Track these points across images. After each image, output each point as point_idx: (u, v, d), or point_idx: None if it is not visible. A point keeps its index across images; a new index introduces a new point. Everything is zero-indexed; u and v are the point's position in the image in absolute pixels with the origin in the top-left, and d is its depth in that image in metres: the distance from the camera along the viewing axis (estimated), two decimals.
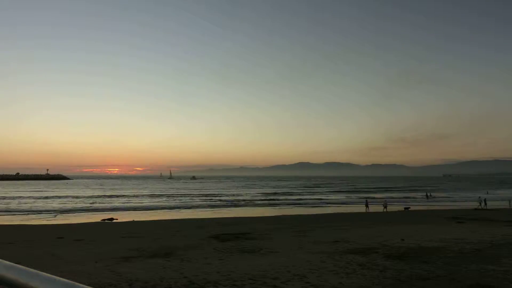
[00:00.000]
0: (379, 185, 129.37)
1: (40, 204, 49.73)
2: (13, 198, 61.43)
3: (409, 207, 43.07)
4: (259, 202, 56.68)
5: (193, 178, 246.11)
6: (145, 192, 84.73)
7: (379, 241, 15.92)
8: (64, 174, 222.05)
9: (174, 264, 11.85)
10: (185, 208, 45.34)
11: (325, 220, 28.23)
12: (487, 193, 74.79)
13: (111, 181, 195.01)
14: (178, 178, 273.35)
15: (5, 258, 1.48)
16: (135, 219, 31.59)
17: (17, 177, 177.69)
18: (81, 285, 1.16)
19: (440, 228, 21.16)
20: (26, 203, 50.94)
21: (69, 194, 73.02)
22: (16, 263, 1.38)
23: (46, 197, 63.09)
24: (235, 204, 52.45)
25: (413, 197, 65.76)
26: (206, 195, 72.35)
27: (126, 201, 56.08)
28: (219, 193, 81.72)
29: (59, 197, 64.64)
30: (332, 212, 38.71)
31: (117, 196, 67.48)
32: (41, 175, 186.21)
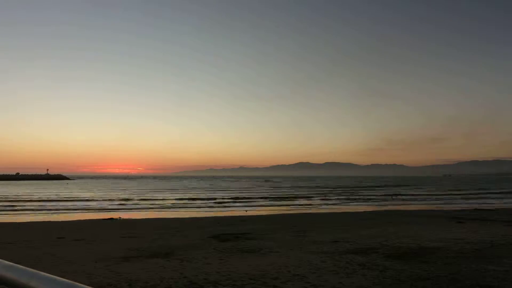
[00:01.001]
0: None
1: (40, 204, 49.73)
2: (13, 198, 61.44)
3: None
4: (259, 202, 56.67)
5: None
6: (145, 192, 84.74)
7: (379, 241, 15.92)
8: (64, 174, 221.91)
9: (174, 264, 11.85)
10: (185, 208, 45.33)
11: (325, 220, 28.21)
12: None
13: (111, 181, 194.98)
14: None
15: (5, 258, 1.48)
16: (135, 219, 31.58)
17: (17, 177, 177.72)
18: (81, 285, 1.16)
19: (440, 228, 21.15)
20: (26, 203, 50.93)
21: (69, 194, 73.03)
22: (16, 263, 1.38)
23: (46, 197, 63.09)
24: (235, 204, 52.44)
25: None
26: (207, 195, 72.33)
27: (126, 201, 56.07)
28: (219, 193, 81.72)
29: (59, 197, 64.64)
30: (332, 212, 38.69)
31: (117, 196, 67.48)
32: (41, 175, 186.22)
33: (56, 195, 70.13)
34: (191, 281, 9.64)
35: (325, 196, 70.79)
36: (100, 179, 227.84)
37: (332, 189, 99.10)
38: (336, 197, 66.68)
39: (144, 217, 33.54)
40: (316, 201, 58.64)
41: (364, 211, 38.13)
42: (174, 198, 64.26)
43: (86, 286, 1.16)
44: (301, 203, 53.35)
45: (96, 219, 31.13)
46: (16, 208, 45.03)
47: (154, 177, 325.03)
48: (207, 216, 34.30)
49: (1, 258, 1.46)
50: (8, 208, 44.74)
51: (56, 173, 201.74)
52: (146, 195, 73.05)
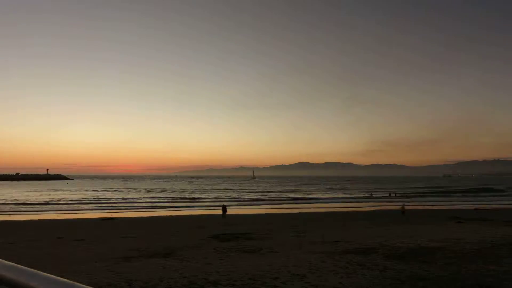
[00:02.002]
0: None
1: (40, 204, 49.75)
2: (13, 198, 61.45)
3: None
4: (259, 202, 56.69)
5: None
6: (145, 192, 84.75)
7: (379, 241, 15.93)
8: (64, 174, 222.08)
9: (174, 264, 11.86)
10: (185, 208, 45.33)
11: (325, 219, 28.22)
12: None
13: (111, 181, 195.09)
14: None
15: (5, 258, 1.48)
16: (135, 219, 31.59)
17: (17, 177, 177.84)
18: (81, 285, 1.16)
19: (440, 228, 21.16)
20: (26, 203, 50.95)
21: (69, 194, 73.07)
22: (16, 263, 1.38)
23: (46, 197, 63.10)
24: (235, 204, 52.44)
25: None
26: (207, 195, 72.35)
27: (126, 201, 56.10)
28: (220, 193, 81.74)
29: (59, 197, 64.65)
30: (332, 211, 38.69)
31: (117, 196, 67.52)
32: (41, 175, 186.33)
33: (56, 195, 70.17)
34: (191, 281, 9.65)
35: (323, 195, 70.87)
36: (100, 179, 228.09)
37: (331, 189, 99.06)
38: (334, 197, 66.68)
39: (144, 217, 33.55)
40: (315, 201, 58.63)
41: (364, 211, 38.15)
42: (174, 198, 64.29)
43: (86, 286, 1.16)
44: (301, 203, 53.33)
45: (96, 219, 31.13)
46: (16, 208, 45.06)
47: (154, 177, 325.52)
48: (207, 216, 34.31)
49: (1, 258, 1.46)
50: (8, 208, 44.77)
51: (56, 173, 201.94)
52: (146, 195, 73.09)
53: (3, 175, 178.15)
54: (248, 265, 11.63)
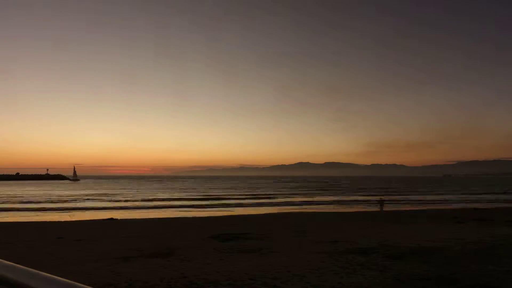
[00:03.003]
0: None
1: (39, 204, 49.74)
2: (13, 198, 61.47)
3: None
4: (259, 202, 56.68)
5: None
6: (145, 192, 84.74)
7: (379, 241, 15.92)
8: (64, 174, 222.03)
9: (174, 264, 11.85)
10: (186, 208, 45.32)
11: (325, 219, 28.21)
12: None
13: (111, 181, 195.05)
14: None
15: (5, 258, 1.48)
16: (135, 219, 31.58)
17: (17, 177, 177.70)
18: (81, 285, 1.16)
19: (440, 228, 21.16)
20: (25, 203, 50.95)
21: (69, 194, 73.06)
22: (16, 263, 1.38)
23: (46, 197, 63.10)
24: (235, 204, 52.44)
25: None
26: (208, 195, 72.35)
27: (126, 201, 56.09)
28: (220, 193, 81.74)
29: (59, 197, 64.66)
30: (331, 211, 38.70)
31: (117, 196, 67.51)
32: (41, 175, 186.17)
33: (56, 195, 70.16)
34: (191, 281, 9.65)
35: (323, 195, 70.83)
36: (100, 180, 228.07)
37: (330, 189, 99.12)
38: (334, 197, 66.64)
39: (144, 217, 33.54)
40: (315, 201, 58.63)
41: (364, 211, 38.16)
42: (175, 198, 64.27)
43: (86, 286, 1.16)
44: (300, 203, 53.34)
45: (96, 219, 31.13)
46: (16, 208, 45.04)
47: (155, 178, 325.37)
48: (207, 216, 34.31)
49: (1, 258, 1.46)
50: (8, 208, 44.76)
51: (56, 173, 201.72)
52: (146, 195, 73.06)
53: (3, 175, 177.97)
54: (248, 265, 11.62)
